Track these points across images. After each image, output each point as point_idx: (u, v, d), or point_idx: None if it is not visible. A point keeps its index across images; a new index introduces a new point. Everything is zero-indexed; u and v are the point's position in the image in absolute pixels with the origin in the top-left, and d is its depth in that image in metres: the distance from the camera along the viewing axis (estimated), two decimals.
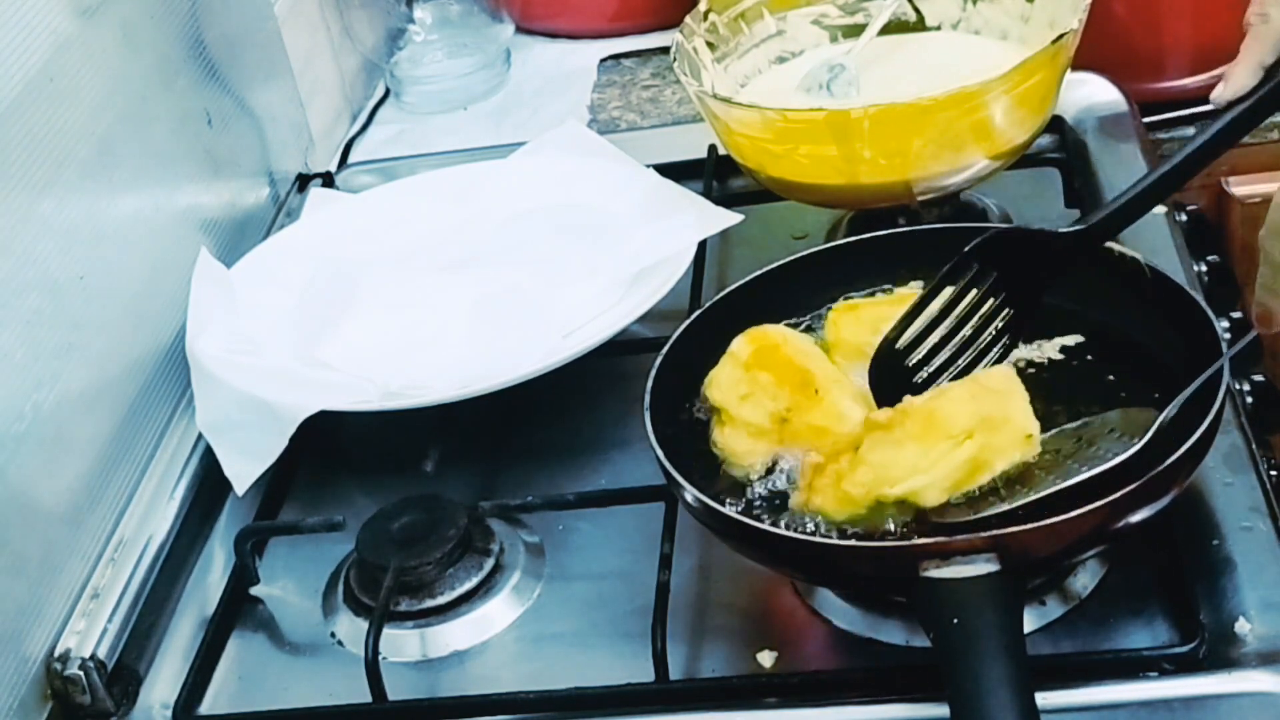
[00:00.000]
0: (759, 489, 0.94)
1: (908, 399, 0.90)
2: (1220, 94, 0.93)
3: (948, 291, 0.95)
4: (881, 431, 0.88)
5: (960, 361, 0.96)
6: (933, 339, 0.95)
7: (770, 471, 0.95)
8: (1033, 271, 0.96)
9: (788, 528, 0.89)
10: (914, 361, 0.96)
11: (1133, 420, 0.89)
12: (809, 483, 0.89)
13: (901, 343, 0.95)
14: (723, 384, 0.97)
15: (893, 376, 0.95)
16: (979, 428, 0.87)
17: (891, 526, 0.88)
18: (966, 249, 0.94)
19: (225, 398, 1.12)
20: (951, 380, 0.95)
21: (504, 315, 1.17)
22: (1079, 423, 0.91)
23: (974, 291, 0.95)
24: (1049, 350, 1.00)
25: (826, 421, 0.94)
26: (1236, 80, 0.92)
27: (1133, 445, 0.84)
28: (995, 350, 0.97)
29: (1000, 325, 0.96)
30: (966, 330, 0.95)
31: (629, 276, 1.19)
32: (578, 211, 1.28)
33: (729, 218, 1.23)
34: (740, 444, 0.96)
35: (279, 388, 1.11)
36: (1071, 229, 0.96)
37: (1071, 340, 1.00)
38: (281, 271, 1.28)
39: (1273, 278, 0.82)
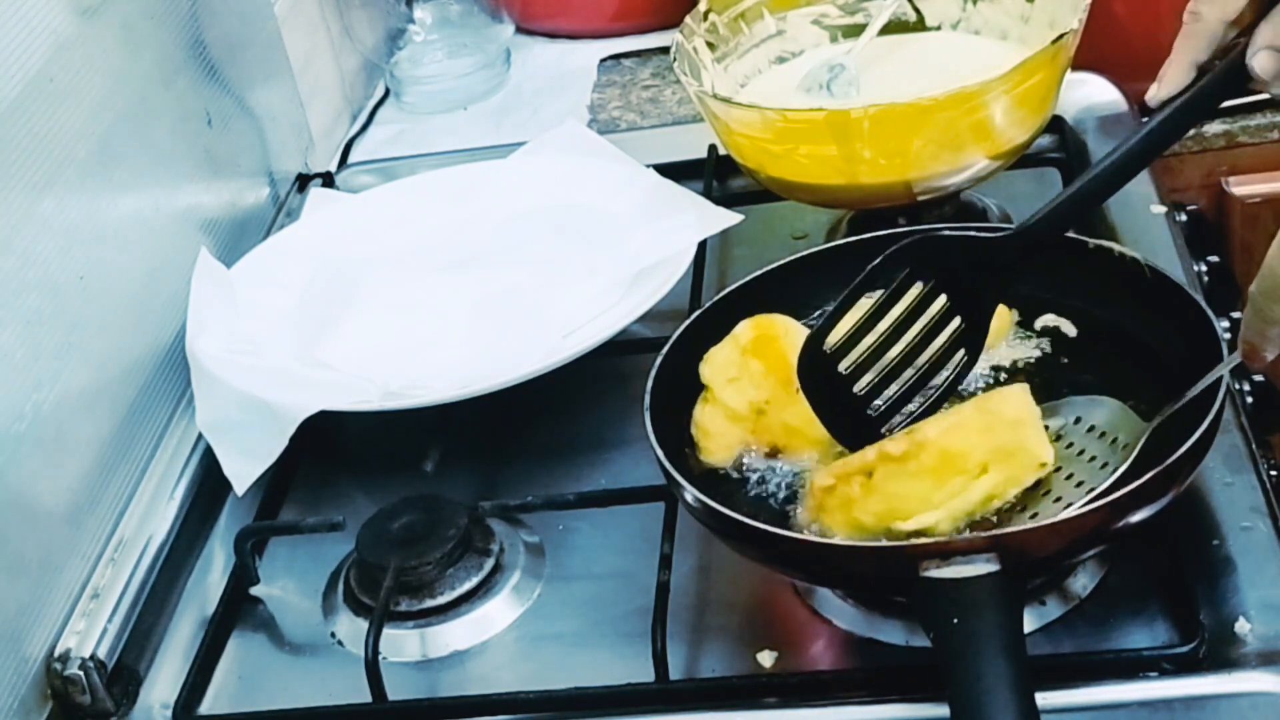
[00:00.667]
0: (761, 488, 0.94)
1: (921, 426, 0.88)
2: (1155, 93, 0.92)
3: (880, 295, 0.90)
4: (895, 464, 0.87)
5: (908, 374, 0.92)
6: (866, 343, 0.91)
7: (736, 464, 0.95)
8: (977, 278, 0.91)
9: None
10: (847, 367, 0.91)
11: (1127, 423, 0.89)
12: (818, 503, 0.89)
13: (831, 344, 0.91)
14: (717, 363, 0.98)
15: (823, 377, 0.91)
16: (994, 460, 0.87)
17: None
18: (891, 250, 0.89)
19: (225, 398, 1.12)
20: (911, 400, 0.92)
21: (504, 315, 1.17)
22: (1072, 425, 0.91)
23: (910, 297, 0.90)
24: (1045, 347, 1.00)
25: (799, 423, 0.94)
26: (1171, 79, 0.91)
27: (1126, 461, 0.85)
28: (952, 366, 0.92)
29: (950, 336, 0.92)
30: (909, 336, 0.91)
31: (629, 276, 1.19)
32: (578, 211, 1.28)
33: (729, 218, 1.23)
34: (715, 424, 0.96)
35: (279, 388, 1.11)
36: (1002, 233, 0.92)
37: (1071, 338, 1.00)
38: (281, 271, 1.28)
39: (1262, 326, 0.82)
